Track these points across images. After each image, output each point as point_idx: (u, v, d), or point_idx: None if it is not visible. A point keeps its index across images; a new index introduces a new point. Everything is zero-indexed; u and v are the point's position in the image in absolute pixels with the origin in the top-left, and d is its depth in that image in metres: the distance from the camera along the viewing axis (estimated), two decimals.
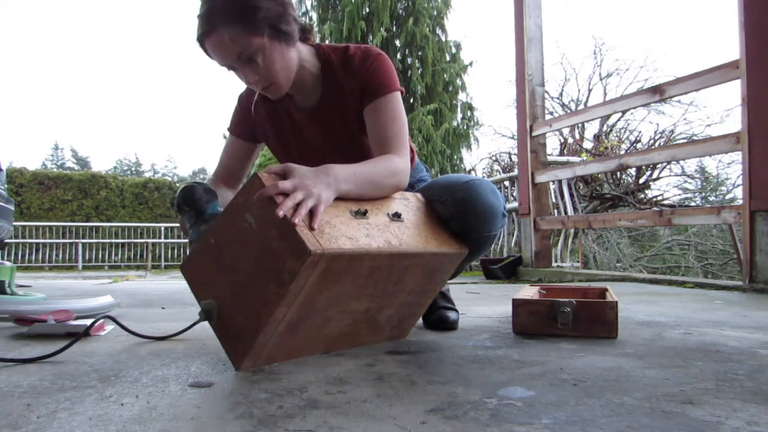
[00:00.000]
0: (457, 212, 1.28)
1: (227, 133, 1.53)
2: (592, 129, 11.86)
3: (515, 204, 5.40)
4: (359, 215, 1.08)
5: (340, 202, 1.08)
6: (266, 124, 1.45)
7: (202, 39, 1.18)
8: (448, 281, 1.43)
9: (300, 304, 0.99)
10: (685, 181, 11.83)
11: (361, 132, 1.36)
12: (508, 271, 4.79)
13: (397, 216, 1.17)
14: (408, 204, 1.25)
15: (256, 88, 1.25)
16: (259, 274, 0.98)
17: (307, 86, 1.35)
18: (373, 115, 1.30)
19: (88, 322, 1.47)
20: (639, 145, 9.51)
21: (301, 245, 0.92)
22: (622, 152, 8.74)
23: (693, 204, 11.25)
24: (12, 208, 3.23)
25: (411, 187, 1.51)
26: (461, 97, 14.70)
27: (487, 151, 27.36)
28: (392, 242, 1.09)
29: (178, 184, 14.16)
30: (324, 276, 0.98)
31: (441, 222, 1.30)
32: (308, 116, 1.38)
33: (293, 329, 1.04)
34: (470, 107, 14.79)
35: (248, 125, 1.47)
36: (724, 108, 15.44)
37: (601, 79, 15.02)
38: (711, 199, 13.23)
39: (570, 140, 10.30)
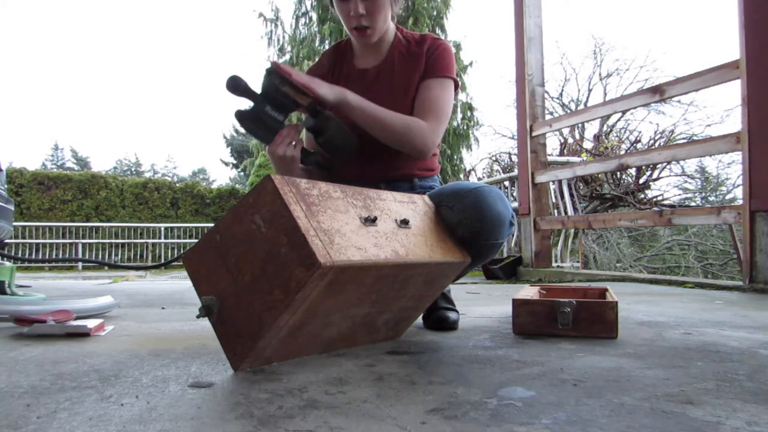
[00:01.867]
0: (465, 218, 1.28)
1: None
2: (592, 129, 11.86)
3: (515, 204, 5.41)
4: (369, 222, 1.08)
5: (350, 208, 1.08)
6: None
7: None
8: (451, 283, 1.44)
9: (303, 311, 0.99)
10: (685, 181, 11.83)
11: (403, 103, 1.46)
12: (508, 271, 4.79)
13: (404, 223, 1.17)
14: (416, 208, 1.26)
15: (353, 23, 1.41)
16: (264, 279, 0.97)
17: (378, 49, 1.52)
18: (426, 89, 1.46)
19: (88, 322, 1.47)
20: (639, 145, 9.51)
21: (311, 256, 0.92)
22: (622, 152, 8.74)
23: (693, 204, 11.25)
24: (12, 208, 3.23)
25: (421, 193, 1.52)
26: (461, 97, 14.71)
27: (487, 151, 27.31)
28: (399, 252, 1.09)
29: (178, 184, 14.16)
30: (330, 286, 0.98)
31: (447, 228, 1.30)
32: (363, 74, 1.52)
33: (294, 333, 1.04)
34: (470, 107, 14.80)
35: None
36: (724, 108, 15.43)
37: (601, 79, 15.01)
38: (711, 199, 13.23)
39: (570, 140, 10.30)
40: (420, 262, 1.14)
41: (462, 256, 1.27)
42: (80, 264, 11.41)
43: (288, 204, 0.96)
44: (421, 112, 1.45)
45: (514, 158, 8.78)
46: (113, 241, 12.30)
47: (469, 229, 1.29)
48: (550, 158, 5.06)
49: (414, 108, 1.47)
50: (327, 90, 1.30)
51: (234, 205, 1.05)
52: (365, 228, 1.07)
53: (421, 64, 1.49)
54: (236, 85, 1.25)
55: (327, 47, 1.68)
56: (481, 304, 2.22)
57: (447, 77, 1.48)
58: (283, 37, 14.71)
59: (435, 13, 14.63)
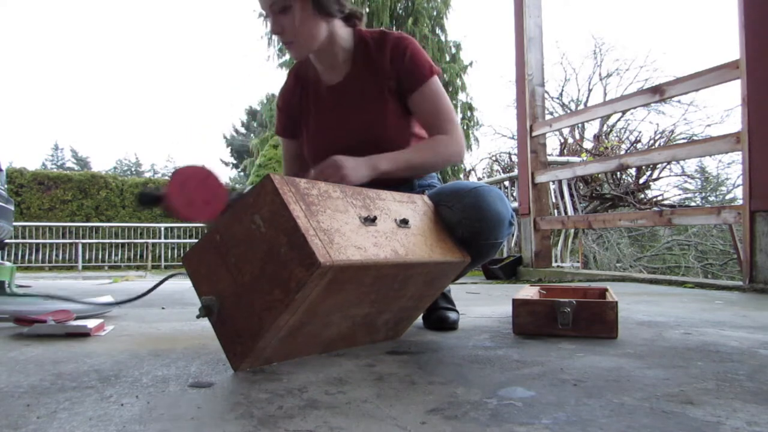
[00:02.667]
0: (464, 218, 1.28)
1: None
2: (592, 129, 11.87)
3: (515, 204, 5.41)
4: (368, 222, 1.08)
5: (350, 208, 1.08)
6: (297, 109, 1.53)
7: None
8: (450, 283, 1.44)
9: (303, 311, 0.99)
10: (685, 181, 11.83)
11: (383, 110, 1.42)
12: (508, 271, 4.79)
13: (404, 222, 1.17)
14: (416, 208, 1.25)
15: (280, 39, 1.36)
16: (264, 279, 0.97)
17: (337, 62, 1.44)
18: (421, 102, 1.42)
19: (88, 322, 1.47)
20: (639, 145, 9.51)
21: (311, 256, 0.91)
22: (622, 152, 8.74)
23: (693, 204, 11.24)
24: (12, 208, 3.23)
25: (422, 193, 1.52)
26: (461, 97, 14.73)
27: (487, 151, 27.33)
28: (399, 251, 1.09)
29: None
30: (330, 285, 0.98)
31: (447, 228, 1.30)
32: (332, 91, 1.47)
33: (294, 333, 1.04)
34: (470, 107, 14.82)
35: (289, 122, 1.56)
36: (724, 108, 15.44)
37: (601, 79, 15.01)
38: (711, 199, 13.23)
39: (570, 140, 10.30)
40: (420, 262, 1.14)
41: (462, 256, 1.27)
42: (80, 264, 11.42)
43: (287, 204, 0.96)
44: (432, 125, 1.43)
45: (514, 158, 8.78)
46: (113, 241, 12.30)
47: (469, 228, 1.29)
48: (550, 158, 5.06)
49: (423, 124, 1.45)
50: (363, 173, 1.25)
51: (234, 205, 1.04)
52: (365, 227, 1.07)
53: (386, 73, 1.41)
54: (144, 201, 1.23)
55: None
56: (481, 304, 2.22)
57: (430, 77, 1.42)
58: None
59: (435, 13, 14.64)
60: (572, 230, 5.20)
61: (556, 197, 5.19)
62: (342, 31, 1.42)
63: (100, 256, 12.05)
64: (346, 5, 1.38)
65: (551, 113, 12.76)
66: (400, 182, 1.51)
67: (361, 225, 1.07)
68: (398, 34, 1.44)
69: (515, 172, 5.90)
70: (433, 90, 1.42)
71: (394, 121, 1.43)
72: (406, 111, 1.45)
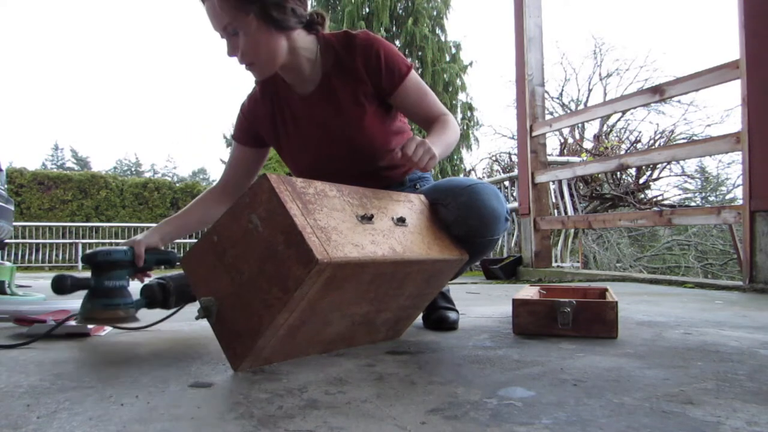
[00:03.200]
0: (460, 216, 1.28)
1: (226, 135, 1.56)
2: (592, 129, 11.87)
3: (515, 204, 5.41)
4: (365, 220, 1.08)
5: (347, 206, 1.08)
6: (267, 121, 1.47)
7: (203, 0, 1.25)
8: (449, 281, 1.44)
9: (302, 309, 0.99)
10: (685, 181, 11.84)
11: (362, 115, 1.38)
12: (508, 271, 4.80)
13: (401, 221, 1.17)
14: (412, 207, 1.25)
15: (240, 62, 1.28)
16: (262, 278, 0.97)
17: (304, 73, 1.38)
18: (405, 96, 1.41)
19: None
20: (639, 145, 9.51)
21: (308, 253, 0.91)
22: (622, 152, 8.74)
23: (693, 204, 11.25)
24: (12, 208, 3.23)
25: (413, 186, 1.51)
26: (461, 97, 14.73)
27: (487, 151, 27.32)
28: (396, 249, 1.09)
29: (178, 184, 14.15)
30: (328, 283, 0.98)
31: (443, 226, 1.30)
32: (306, 102, 1.41)
33: (293, 333, 1.04)
34: (470, 107, 14.83)
35: (252, 130, 1.50)
36: (724, 108, 15.46)
37: (601, 79, 15.03)
38: (711, 199, 13.24)
39: (570, 140, 10.30)
40: (417, 259, 1.14)
41: (459, 253, 1.27)
42: (80, 264, 11.40)
43: (284, 202, 0.96)
44: (427, 112, 1.43)
45: (514, 158, 8.78)
46: (113, 241, 12.27)
47: (465, 226, 1.29)
48: (550, 158, 5.06)
49: (415, 115, 1.44)
50: (429, 162, 1.22)
51: (231, 206, 1.04)
52: (362, 226, 1.07)
53: (360, 77, 1.37)
54: (61, 288, 1.30)
55: None
56: (481, 304, 2.22)
57: (408, 73, 1.39)
58: None
59: (435, 13, 14.64)
60: (572, 230, 5.20)
61: (556, 197, 5.19)
62: (304, 41, 1.34)
63: None
64: (305, 14, 1.31)
65: (551, 113, 12.77)
66: (394, 179, 1.50)
67: (358, 223, 1.07)
68: (364, 35, 1.38)
69: (515, 172, 5.90)
70: (414, 83, 1.41)
71: (375, 125, 1.41)
72: (383, 112, 1.43)
